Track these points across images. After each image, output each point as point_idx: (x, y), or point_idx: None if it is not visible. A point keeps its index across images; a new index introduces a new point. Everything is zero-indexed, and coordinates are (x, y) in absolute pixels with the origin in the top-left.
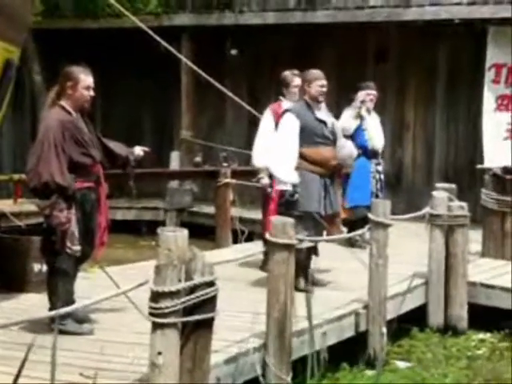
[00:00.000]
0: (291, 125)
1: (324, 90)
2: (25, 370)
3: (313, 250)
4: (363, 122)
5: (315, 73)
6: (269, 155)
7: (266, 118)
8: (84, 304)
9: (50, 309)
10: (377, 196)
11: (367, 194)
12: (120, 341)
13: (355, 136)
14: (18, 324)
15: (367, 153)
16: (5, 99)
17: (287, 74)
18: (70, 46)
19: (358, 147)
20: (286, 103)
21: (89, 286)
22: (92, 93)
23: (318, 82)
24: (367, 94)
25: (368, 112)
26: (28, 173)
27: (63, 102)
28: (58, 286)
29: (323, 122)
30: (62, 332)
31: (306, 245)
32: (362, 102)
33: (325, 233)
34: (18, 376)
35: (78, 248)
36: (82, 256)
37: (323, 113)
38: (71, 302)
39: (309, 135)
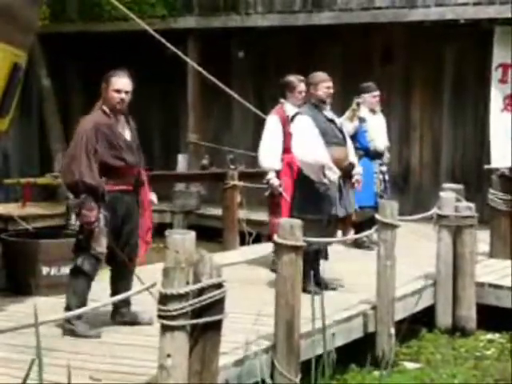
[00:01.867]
0: (308, 124)
1: (331, 91)
2: (34, 372)
3: (322, 253)
4: (364, 123)
5: (321, 75)
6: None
7: (273, 121)
8: (94, 306)
9: (66, 307)
10: (381, 197)
11: (371, 195)
12: (129, 343)
13: (357, 137)
14: (27, 327)
15: (370, 154)
16: (13, 103)
17: (293, 78)
18: (76, 49)
19: (360, 148)
20: (289, 107)
21: (97, 288)
22: (123, 95)
23: (325, 83)
24: (373, 96)
25: (373, 113)
26: (62, 171)
27: (104, 106)
28: (76, 286)
29: (333, 122)
30: (71, 334)
31: (313, 248)
32: (358, 104)
33: (340, 233)
34: (25, 379)
35: (102, 250)
36: (112, 258)
37: (330, 112)
38: (85, 303)
39: (323, 137)
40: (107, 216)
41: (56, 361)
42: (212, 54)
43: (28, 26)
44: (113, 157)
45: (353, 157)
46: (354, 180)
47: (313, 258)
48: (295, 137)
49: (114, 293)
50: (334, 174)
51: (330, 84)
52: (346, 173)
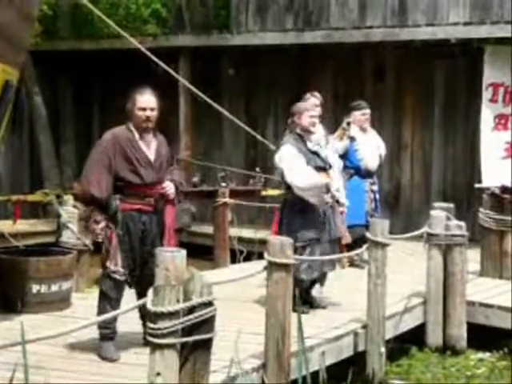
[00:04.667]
0: (294, 151)
1: (314, 120)
2: None
3: (319, 279)
4: (354, 142)
5: (304, 104)
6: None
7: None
8: (84, 325)
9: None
10: (372, 215)
11: (362, 214)
12: (120, 361)
13: (348, 156)
14: (15, 345)
15: (361, 172)
16: (3, 121)
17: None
18: (68, 67)
19: (351, 167)
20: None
21: (87, 306)
22: (148, 113)
23: (308, 113)
24: (362, 114)
25: (363, 131)
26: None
27: (130, 123)
28: (100, 308)
29: (315, 153)
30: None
31: (311, 277)
32: (348, 123)
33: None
34: None
35: (117, 269)
36: (140, 279)
37: (314, 143)
38: (110, 325)
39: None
40: (121, 235)
41: (43, 378)
42: (203, 71)
43: (20, 44)
44: (129, 171)
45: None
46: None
47: (308, 286)
48: (286, 165)
49: (143, 316)
50: (328, 196)
51: (313, 113)
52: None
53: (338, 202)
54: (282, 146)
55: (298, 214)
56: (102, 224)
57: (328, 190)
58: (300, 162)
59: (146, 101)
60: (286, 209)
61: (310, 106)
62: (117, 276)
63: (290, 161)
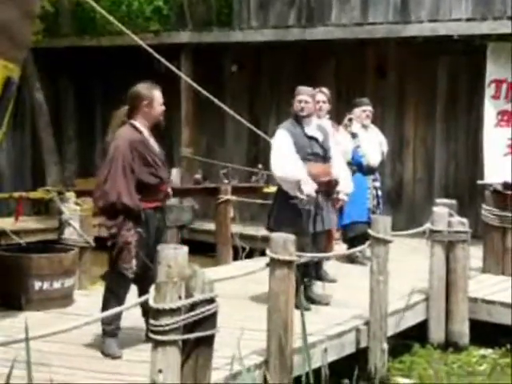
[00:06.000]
0: (285, 139)
1: (302, 105)
2: None
3: (313, 268)
4: (356, 138)
5: (299, 88)
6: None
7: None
8: (86, 321)
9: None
10: (374, 212)
11: (364, 210)
12: (122, 358)
13: (350, 153)
14: (17, 342)
15: (363, 169)
16: (5, 117)
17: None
18: (69, 63)
19: (353, 164)
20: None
21: (90, 303)
22: (164, 107)
23: (298, 97)
24: (363, 111)
25: (365, 128)
26: (95, 192)
27: (135, 121)
28: (105, 305)
29: (313, 138)
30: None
31: (303, 260)
32: (350, 120)
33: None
34: None
35: (128, 266)
36: (141, 278)
37: (313, 128)
38: (114, 321)
39: (298, 152)
40: (141, 233)
41: (46, 375)
42: (205, 68)
43: (21, 40)
44: (149, 174)
45: (344, 170)
46: (339, 197)
47: (302, 272)
48: (273, 151)
49: (145, 312)
50: (310, 189)
51: (303, 98)
52: (328, 189)
53: (331, 194)
54: (278, 129)
55: (289, 204)
56: (133, 231)
57: (300, 189)
58: (286, 150)
59: (161, 96)
60: (275, 196)
61: (303, 91)
62: (128, 273)
63: (276, 147)
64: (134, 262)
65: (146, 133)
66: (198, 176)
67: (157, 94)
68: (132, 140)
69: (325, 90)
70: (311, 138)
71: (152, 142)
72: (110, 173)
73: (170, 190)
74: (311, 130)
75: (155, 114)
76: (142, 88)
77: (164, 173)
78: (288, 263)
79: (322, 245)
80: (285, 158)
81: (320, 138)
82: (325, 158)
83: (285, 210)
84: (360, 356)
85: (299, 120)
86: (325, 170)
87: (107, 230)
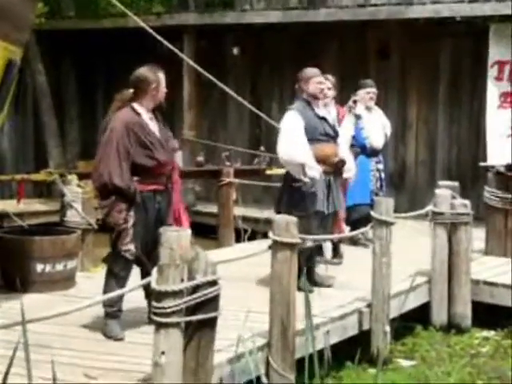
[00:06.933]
0: (295, 121)
1: (322, 86)
2: (24, 369)
3: (317, 250)
4: (360, 120)
5: (312, 70)
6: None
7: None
8: (88, 304)
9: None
10: (377, 194)
11: (367, 192)
12: (125, 340)
13: (354, 134)
14: (16, 325)
15: (366, 151)
16: (7, 99)
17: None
18: (72, 46)
19: (356, 146)
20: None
21: (92, 285)
22: (166, 90)
23: (316, 79)
24: (367, 93)
25: (368, 110)
26: (93, 173)
27: (135, 104)
28: (107, 287)
29: (324, 119)
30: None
31: (309, 244)
32: (355, 101)
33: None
34: (6, 374)
35: (128, 248)
36: (147, 258)
37: (323, 109)
38: (116, 304)
39: (310, 133)
40: (137, 217)
41: (48, 357)
42: (208, 50)
43: (23, 22)
44: (145, 156)
45: (346, 154)
46: (345, 176)
47: (307, 255)
48: (280, 134)
49: (148, 294)
50: (315, 172)
51: (321, 79)
52: (337, 170)
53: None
54: (288, 111)
55: (297, 187)
56: (124, 212)
57: (304, 172)
58: (294, 133)
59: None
60: (286, 183)
61: (318, 73)
62: (128, 255)
63: (285, 129)
64: (132, 244)
65: (146, 115)
66: (201, 158)
67: (162, 77)
68: (128, 122)
69: (330, 77)
70: (322, 118)
71: (152, 124)
72: (104, 154)
73: (176, 173)
74: (321, 110)
75: (159, 96)
76: (149, 71)
77: (162, 155)
78: (290, 245)
79: (330, 227)
80: (292, 141)
81: (330, 118)
82: (335, 138)
83: (294, 193)
84: (362, 338)
85: (309, 102)
86: (335, 151)
87: (100, 210)
